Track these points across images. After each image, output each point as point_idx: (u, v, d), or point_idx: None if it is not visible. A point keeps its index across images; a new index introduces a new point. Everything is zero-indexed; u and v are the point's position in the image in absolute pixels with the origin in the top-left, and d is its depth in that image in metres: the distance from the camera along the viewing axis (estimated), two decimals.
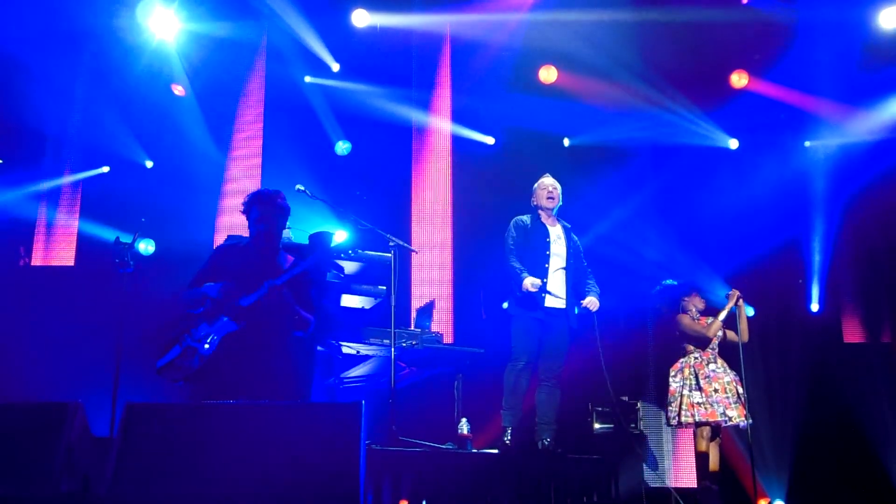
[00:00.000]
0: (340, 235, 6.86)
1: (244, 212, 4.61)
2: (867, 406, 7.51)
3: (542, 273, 5.78)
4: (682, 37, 7.72)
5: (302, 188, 5.48)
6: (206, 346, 4.26)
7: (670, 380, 6.25)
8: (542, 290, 5.68)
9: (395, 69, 8.37)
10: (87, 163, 8.39)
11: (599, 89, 8.22)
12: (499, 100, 8.36)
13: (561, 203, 6.00)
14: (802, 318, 8.10)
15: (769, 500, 7.31)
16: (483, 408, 6.71)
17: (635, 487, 6.72)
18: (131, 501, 3.16)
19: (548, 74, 8.40)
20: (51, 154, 8.28)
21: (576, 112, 8.36)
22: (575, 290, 5.92)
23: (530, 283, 5.63)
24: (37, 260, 8.28)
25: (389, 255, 5.65)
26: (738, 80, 8.26)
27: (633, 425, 6.96)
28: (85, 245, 8.20)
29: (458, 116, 8.62)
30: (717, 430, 6.13)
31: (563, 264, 5.88)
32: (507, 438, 5.69)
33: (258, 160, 8.28)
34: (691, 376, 6.14)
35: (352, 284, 6.14)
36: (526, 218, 6.00)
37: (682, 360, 6.29)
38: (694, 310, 6.39)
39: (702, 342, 6.23)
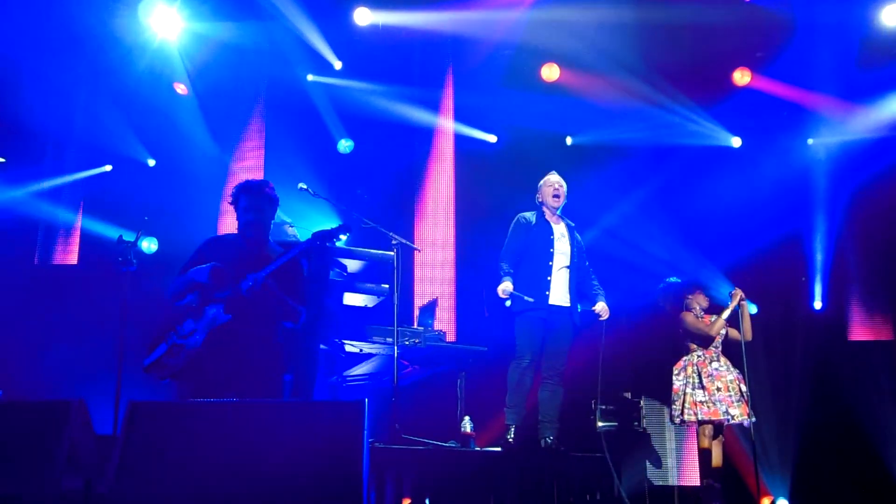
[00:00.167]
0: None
1: (232, 203, 4.52)
2: (871, 404, 7.50)
3: (545, 271, 5.78)
4: (684, 34, 7.69)
5: (304, 186, 5.48)
6: (193, 341, 4.18)
7: (673, 378, 6.24)
8: (511, 297, 5.73)
9: (398, 67, 8.36)
10: (90, 161, 8.40)
11: (602, 87, 8.20)
12: (501, 98, 8.35)
13: (565, 202, 6.00)
14: (805, 316, 8.08)
15: (772, 498, 7.30)
16: (486, 406, 6.70)
17: (638, 486, 6.72)
18: (134, 499, 3.16)
19: (550, 72, 8.39)
20: (53, 153, 8.29)
21: (578, 110, 8.35)
22: (578, 289, 5.93)
23: (501, 289, 5.73)
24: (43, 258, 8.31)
25: (392, 253, 5.65)
26: (741, 77, 8.24)
27: (636, 423, 6.95)
28: (88, 243, 8.21)
29: (460, 114, 8.61)
30: (719, 428, 6.13)
31: (567, 263, 5.88)
32: (511, 437, 5.68)
33: (261, 158, 8.29)
34: (694, 374, 6.13)
35: (355, 283, 6.13)
36: (529, 215, 5.99)
37: (685, 358, 6.28)
38: (698, 308, 6.38)
39: (705, 340, 6.22)
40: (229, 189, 4.62)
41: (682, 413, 6.08)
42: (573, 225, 6.07)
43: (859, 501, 7.10)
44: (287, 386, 5.55)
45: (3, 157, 8.04)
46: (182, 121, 8.23)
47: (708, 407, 6.01)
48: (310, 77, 8.40)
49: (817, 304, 8.13)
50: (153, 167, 8.57)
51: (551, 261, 5.82)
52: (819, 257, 8.12)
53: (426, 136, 8.57)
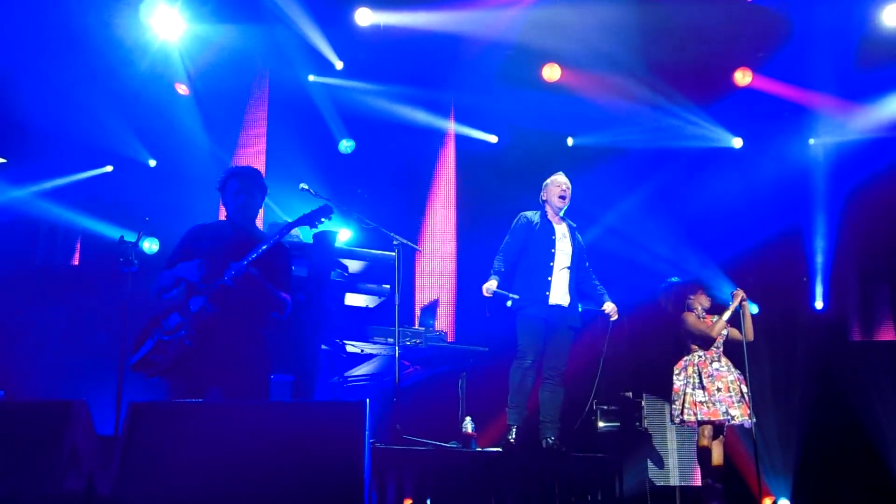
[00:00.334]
0: (344, 234, 6.87)
1: (220, 188, 4.46)
2: (872, 404, 7.50)
3: (546, 271, 5.78)
4: (685, 34, 7.69)
5: (306, 187, 5.48)
6: (179, 336, 4.10)
7: (674, 378, 6.24)
8: (496, 295, 5.74)
9: (399, 67, 8.36)
10: (91, 162, 8.40)
11: (603, 87, 8.20)
12: (502, 98, 8.35)
13: (569, 203, 6.01)
14: (807, 316, 8.09)
15: (774, 498, 7.29)
16: (487, 406, 6.71)
17: (640, 486, 6.72)
18: (136, 500, 3.16)
19: (551, 72, 8.39)
20: (54, 153, 8.29)
21: (579, 110, 8.35)
22: (579, 290, 5.93)
23: (485, 287, 5.76)
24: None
25: (393, 253, 5.64)
26: (742, 77, 8.24)
27: (637, 423, 6.95)
28: (89, 244, 8.21)
29: (461, 114, 8.61)
30: (720, 428, 6.12)
31: (568, 263, 5.89)
32: (512, 437, 5.68)
33: (262, 158, 8.28)
34: (695, 375, 6.13)
35: (356, 283, 6.13)
36: (532, 214, 5.99)
37: (686, 358, 6.28)
38: (699, 308, 6.37)
39: (706, 341, 6.22)
40: None
41: (681, 413, 6.08)
42: (574, 226, 6.08)
43: (861, 501, 7.10)
44: (288, 386, 5.56)
45: (4, 158, 8.04)
46: (183, 121, 8.23)
47: (708, 407, 6.00)
48: (311, 77, 8.40)
49: (818, 304, 8.13)
50: (154, 168, 8.57)
51: (552, 261, 5.82)
52: (820, 257, 8.12)
53: (427, 136, 8.57)
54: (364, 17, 7.85)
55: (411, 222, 8.35)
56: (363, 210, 6.11)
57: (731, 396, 6.01)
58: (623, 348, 7.36)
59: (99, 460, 3.41)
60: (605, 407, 7.01)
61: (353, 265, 6.05)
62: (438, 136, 8.65)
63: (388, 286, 6.12)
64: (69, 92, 7.76)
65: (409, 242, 5.73)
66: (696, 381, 6.10)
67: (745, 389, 6.07)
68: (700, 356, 6.19)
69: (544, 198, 6.02)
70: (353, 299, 6.25)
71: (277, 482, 3.13)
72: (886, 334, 8.00)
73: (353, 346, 6.12)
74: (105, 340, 6.82)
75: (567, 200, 5.97)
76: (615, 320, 5.95)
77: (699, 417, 6.01)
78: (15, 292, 7.65)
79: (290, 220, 4.60)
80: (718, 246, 7.83)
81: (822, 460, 7.39)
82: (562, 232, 5.95)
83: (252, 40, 7.99)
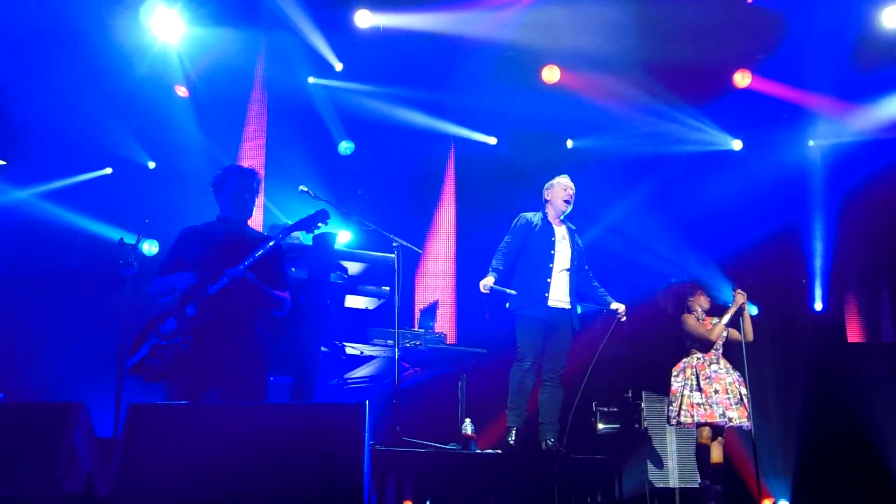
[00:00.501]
0: (344, 236, 6.87)
1: (217, 184, 4.47)
2: (871, 406, 7.48)
3: (545, 273, 5.79)
4: (684, 36, 7.69)
5: (305, 189, 5.48)
6: (176, 341, 4.10)
7: (672, 379, 6.23)
8: (493, 292, 5.73)
9: (399, 69, 8.36)
10: (90, 164, 8.40)
11: (602, 89, 8.20)
12: (501, 100, 8.35)
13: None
14: (806, 318, 8.08)
15: (773, 500, 7.29)
16: (487, 408, 6.71)
17: (639, 487, 6.72)
18: (135, 502, 3.16)
19: (550, 74, 8.39)
20: (54, 155, 8.28)
21: (578, 112, 8.35)
22: (578, 292, 5.94)
23: (482, 284, 5.75)
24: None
25: (393, 255, 5.65)
26: (742, 79, 8.24)
27: (637, 424, 6.94)
28: (89, 246, 8.21)
29: (460, 116, 8.62)
30: (718, 430, 6.11)
31: (568, 265, 5.90)
32: (512, 439, 5.69)
33: (262, 160, 8.28)
34: (692, 377, 6.12)
35: (356, 285, 6.13)
36: (531, 215, 6.00)
37: (684, 360, 6.27)
38: (699, 310, 6.36)
39: (705, 344, 6.21)
40: None
41: (678, 415, 6.07)
42: (574, 228, 6.08)
43: (860, 502, 7.09)
44: (288, 388, 5.56)
45: (3, 160, 8.04)
46: (182, 123, 8.22)
47: (704, 409, 5.99)
48: (310, 79, 8.41)
49: (818, 306, 8.13)
50: (154, 170, 8.57)
51: (552, 262, 5.83)
52: (819, 258, 8.12)
53: (426, 137, 8.57)
54: (363, 20, 7.85)
55: (412, 224, 8.34)
56: (363, 212, 6.12)
57: (728, 398, 6.00)
58: (623, 349, 7.35)
59: (98, 462, 3.41)
60: (605, 408, 7.01)
61: (353, 267, 6.05)
62: (437, 138, 8.65)
63: (387, 288, 6.12)
64: (68, 94, 7.76)
65: (408, 244, 5.73)
66: (694, 383, 6.09)
67: (744, 391, 6.06)
68: (699, 358, 6.19)
69: (548, 198, 6.01)
70: (353, 301, 6.25)
71: (277, 484, 3.13)
72: (885, 336, 8.00)
73: (352, 348, 6.12)
74: (104, 342, 6.82)
75: (571, 205, 5.97)
76: (622, 320, 5.94)
77: (696, 419, 6.01)
78: (14, 294, 7.65)
79: (288, 224, 4.61)
80: (718, 247, 7.83)
81: (821, 461, 7.38)
82: (561, 234, 5.96)
83: (251, 42, 8.00)
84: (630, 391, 7.10)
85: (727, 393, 6.02)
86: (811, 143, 8.40)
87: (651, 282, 6.96)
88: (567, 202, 5.95)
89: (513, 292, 5.75)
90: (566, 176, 6.06)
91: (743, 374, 6.12)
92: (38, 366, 7.34)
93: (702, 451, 6.07)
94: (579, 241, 6.06)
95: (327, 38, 8.06)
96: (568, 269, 5.89)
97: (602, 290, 6.02)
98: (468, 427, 6.04)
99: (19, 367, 7.29)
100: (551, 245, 5.88)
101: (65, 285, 7.96)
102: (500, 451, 5.67)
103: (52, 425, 3.38)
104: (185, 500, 3.14)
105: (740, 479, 6.92)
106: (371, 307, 6.36)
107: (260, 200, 4.74)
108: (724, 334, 6.26)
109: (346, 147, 8.33)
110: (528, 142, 8.57)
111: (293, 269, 5.41)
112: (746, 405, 6.02)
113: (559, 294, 5.81)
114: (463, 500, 4.97)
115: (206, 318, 4.15)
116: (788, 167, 8.24)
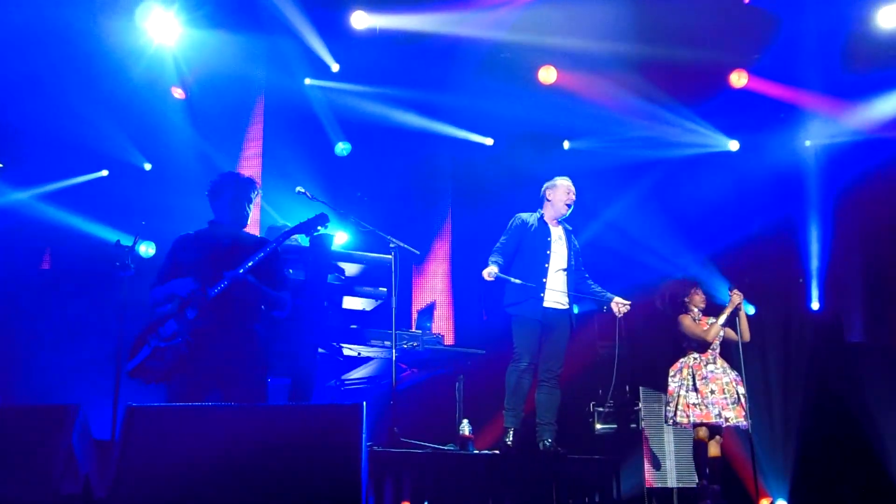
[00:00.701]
0: (341, 237, 6.86)
1: (214, 191, 4.50)
2: (868, 405, 7.49)
3: (541, 273, 5.79)
4: (682, 36, 7.70)
5: (302, 190, 5.48)
6: (176, 343, 4.12)
7: (669, 379, 6.23)
8: (497, 279, 5.70)
9: (395, 70, 8.36)
10: (86, 166, 8.38)
11: (598, 89, 8.21)
12: (497, 100, 8.35)
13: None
14: (803, 317, 8.09)
15: (771, 499, 7.30)
16: (484, 409, 6.71)
17: (637, 487, 6.72)
18: None
19: (547, 75, 8.40)
20: (49, 157, 8.27)
21: (575, 113, 8.36)
22: (575, 292, 5.94)
23: (486, 272, 5.69)
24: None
25: (390, 256, 5.65)
26: (738, 79, 8.25)
27: (634, 424, 6.95)
28: (85, 248, 8.20)
29: (457, 117, 8.61)
30: (716, 430, 6.11)
31: (564, 265, 5.90)
32: (509, 439, 5.69)
33: (258, 161, 8.28)
34: (689, 377, 6.12)
35: (353, 286, 6.13)
36: (528, 216, 6.00)
37: (681, 360, 6.27)
38: (696, 310, 6.36)
39: (701, 344, 6.21)
40: None
41: (675, 415, 6.08)
42: (570, 229, 6.09)
43: (858, 502, 7.10)
44: (285, 390, 5.56)
45: (0, 163, 8.03)
46: (179, 125, 8.22)
47: (701, 409, 5.99)
48: (307, 80, 8.40)
49: (815, 305, 8.14)
50: (150, 171, 8.55)
51: (547, 262, 5.83)
52: (815, 257, 8.13)
53: (423, 138, 8.57)
54: (360, 21, 7.85)
55: (409, 224, 8.34)
56: (360, 213, 6.12)
57: (725, 398, 6.00)
58: (621, 348, 7.35)
59: (96, 464, 3.42)
60: (602, 408, 7.01)
61: (350, 268, 6.05)
62: (434, 139, 8.65)
63: (384, 289, 6.12)
64: (64, 96, 7.75)
65: (405, 245, 5.73)
66: (690, 383, 6.09)
67: (741, 391, 6.06)
68: (695, 358, 6.19)
69: (549, 197, 6.00)
70: (351, 302, 6.25)
71: (274, 485, 3.13)
72: (882, 336, 8.01)
73: (350, 350, 6.12)
74: (102, 344, 6.82)
75: (571, 209, 5.97)
76: (620, 317, 5.92)
77: (692, 419, 6.01)
78: (11, 297, 7.64)
79: (287, 227, 4.61)
80: (714, 246, 7.84)
81: (818, 461, 7.38)
82: (557, 234, 5.96)
83: (248, 44, 7.98)
84: (628, 391, 7.10)
85: (724, 393, 6.02)
86: (808, 143, 8.41)
87: (648, 281, 6.97)
88: (568, 206, 5.95)
89: (518, 281, 5.74)
90: (568, 178, 6.04)
91: (740, 374, 6.12)
92: (35, 368, 7.33)
93: (699, 451, 6.07)
94: (575, 242, 6.07)
95: (324, 39, 8.06)
96: (564, 270, 5.89)
97: (596, 287, 6.01)
98: (466, 428, 6.04)
99: (16, 370, 7.28)
100: (547, 245, 5.88)
101: (61, 287, 7.95)
102: (497, 452, 5.67)
103: (50, 428, 3.39)
104: (183, 502, 3.14)
105: (738, 479, 6.92)
106: (368, 308, 6.36)
107: (257, 201, 4.74)
108: (721, 334, 6.26)
109: (342, 148, 8.32)
110: (525, 143, 8.57)
111: (290, 271, 5.41)
112: (744, 405, 6.02)
113: (555, 294, 5.81)
114: (461, 500, 4.98)
115: (207, 320, 4.16)
116: (784, 166, 8.25)
